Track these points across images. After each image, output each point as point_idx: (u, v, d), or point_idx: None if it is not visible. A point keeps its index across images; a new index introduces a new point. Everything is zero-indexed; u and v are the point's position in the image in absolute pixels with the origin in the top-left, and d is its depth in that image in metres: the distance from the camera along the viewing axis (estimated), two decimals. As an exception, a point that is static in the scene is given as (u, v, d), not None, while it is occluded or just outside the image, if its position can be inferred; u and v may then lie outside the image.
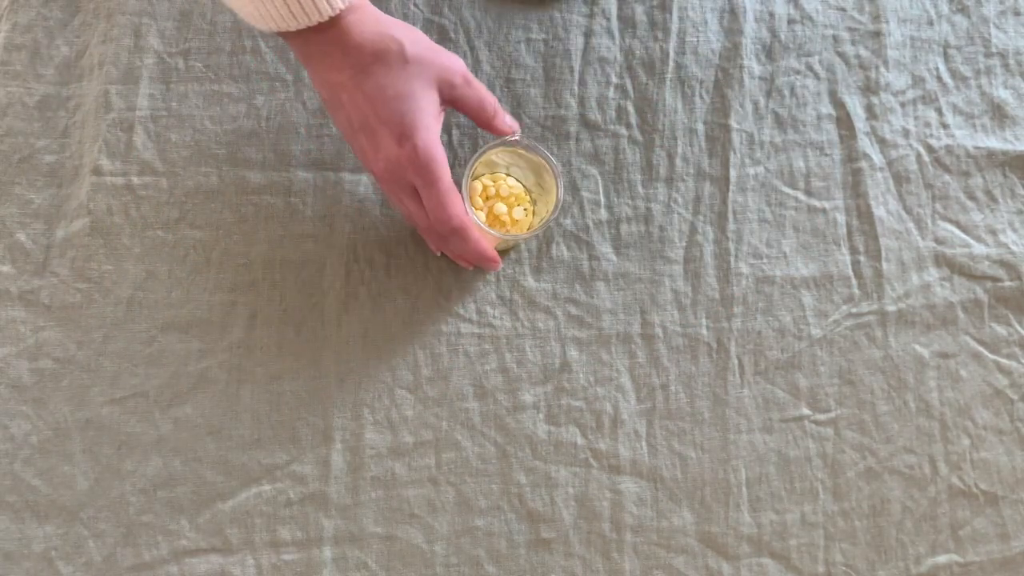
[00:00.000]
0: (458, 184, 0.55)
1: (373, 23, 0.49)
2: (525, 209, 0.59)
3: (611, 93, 0.65)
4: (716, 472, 0.61)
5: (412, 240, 0.62)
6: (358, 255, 0.62)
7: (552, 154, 0.63)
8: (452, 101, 0.52)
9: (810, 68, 0.66)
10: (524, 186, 0.60)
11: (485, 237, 0.56)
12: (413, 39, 0.50)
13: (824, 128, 0.66)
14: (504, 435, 0.61)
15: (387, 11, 0.63)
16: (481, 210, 0.58)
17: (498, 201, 0.58)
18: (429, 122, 0.50)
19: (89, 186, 0.61)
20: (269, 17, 0.47)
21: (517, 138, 0.56)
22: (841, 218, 0.65)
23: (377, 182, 0.57)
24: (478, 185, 0.58)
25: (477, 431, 0.60)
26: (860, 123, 0.66)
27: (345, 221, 0.62)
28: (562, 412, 0.61)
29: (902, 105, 0.66)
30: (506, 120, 0.55)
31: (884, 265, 0.64)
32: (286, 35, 0.49)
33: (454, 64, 0.51)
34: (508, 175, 0.60)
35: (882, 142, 0.66)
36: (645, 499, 0.61)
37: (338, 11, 0.47)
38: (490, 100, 0.53)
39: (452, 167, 0.63)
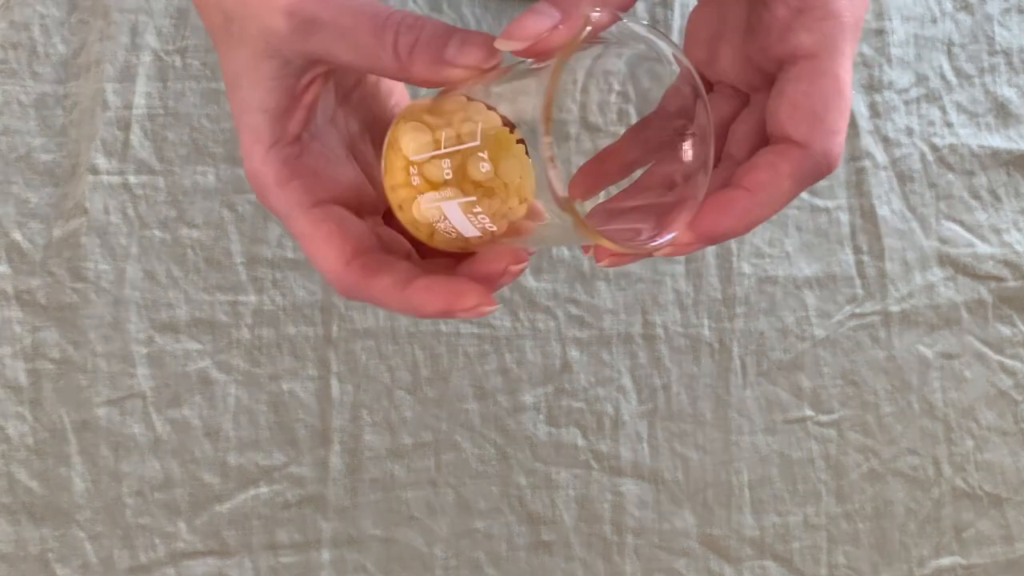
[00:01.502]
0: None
1: None
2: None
3: (612, 93, 0.64)
4: (718, 474, 0.61)
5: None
6: (357, 255, 0.61)
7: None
8: (324, 66, 0.27)
9: (813, 66, 0.66)
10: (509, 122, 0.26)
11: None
12: None
13: (827, 127, 0.65)
14: (504, 436, 0.60)
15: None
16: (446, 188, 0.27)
17: (476, 155, 0.26)
18: (257, 122, 0.27)
19: (86, 185, 0.61)
20: None
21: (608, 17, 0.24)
22: (844, 217, 0.64)
23: None
24: (418, 114, 0.28)
25: (477, 432, 0.60)
26: (863, 121, 0.65)
27: (344, 220, 0.62)
28: (563, 413, 0.61)
29: (906, 103, 0.66)
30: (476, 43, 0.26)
31: (888, 265, 0.64)
32: None
33: None
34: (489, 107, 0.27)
35: (885, 141, 0.65)
36: (647, 501, 0.60)
37: None
38: (399, 19, 0.26)
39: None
